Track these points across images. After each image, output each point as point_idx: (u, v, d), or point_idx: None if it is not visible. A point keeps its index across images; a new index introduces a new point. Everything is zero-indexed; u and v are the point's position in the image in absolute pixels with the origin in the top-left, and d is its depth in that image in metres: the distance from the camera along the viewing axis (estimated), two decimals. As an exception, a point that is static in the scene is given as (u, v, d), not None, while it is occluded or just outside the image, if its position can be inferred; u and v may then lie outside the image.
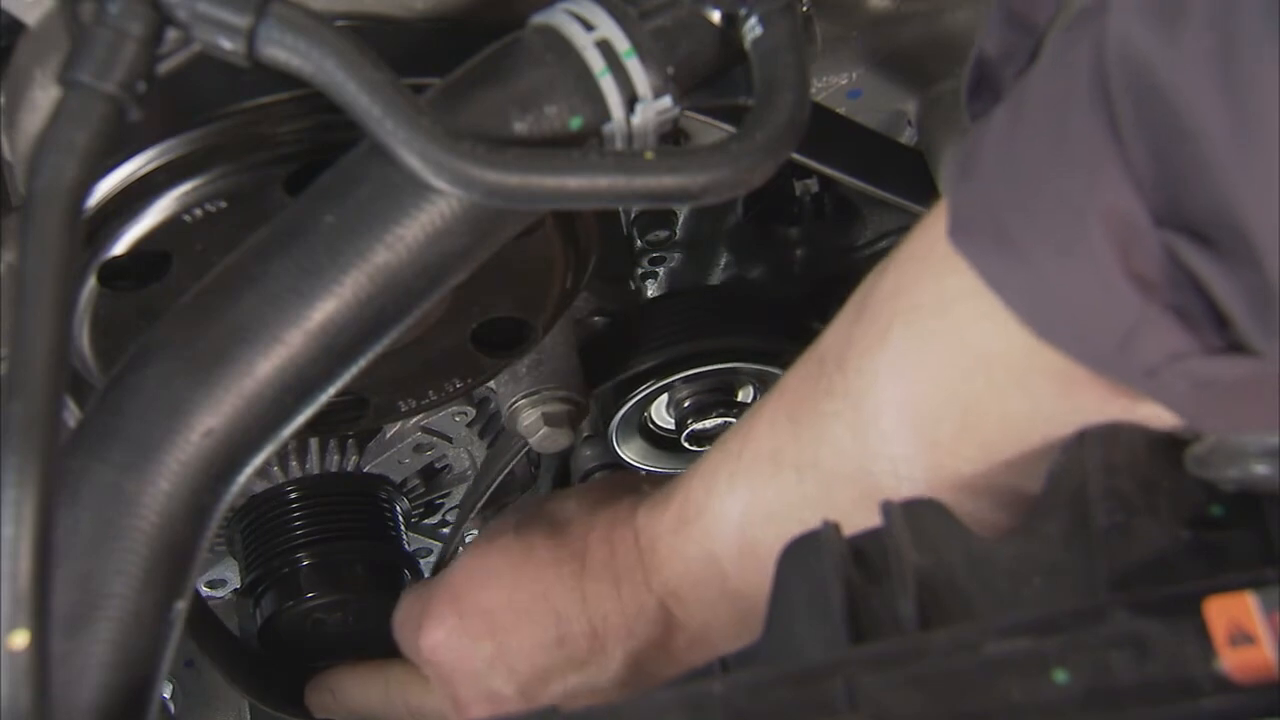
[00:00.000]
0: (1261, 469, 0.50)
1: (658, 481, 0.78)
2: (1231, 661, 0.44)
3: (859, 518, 0.60)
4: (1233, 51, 0.43)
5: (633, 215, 0.99)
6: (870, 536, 0.53)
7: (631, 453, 1.01)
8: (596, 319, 0.97)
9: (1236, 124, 0.44)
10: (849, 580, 0.51)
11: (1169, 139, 0.46)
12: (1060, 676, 0.44)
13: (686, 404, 0.97)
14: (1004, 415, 0.57)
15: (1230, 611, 0.44)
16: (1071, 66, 0.50)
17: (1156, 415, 0.54)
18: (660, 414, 1.00)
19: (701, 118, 0.72)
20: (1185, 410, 0.51)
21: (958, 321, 0.56)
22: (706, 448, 0.80)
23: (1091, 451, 0.54)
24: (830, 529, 0.54)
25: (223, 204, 0.67)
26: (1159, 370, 0.49)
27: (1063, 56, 0.51)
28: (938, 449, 0.59)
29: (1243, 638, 0.43)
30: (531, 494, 1.07)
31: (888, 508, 0.54)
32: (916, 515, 0.53)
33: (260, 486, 0.95)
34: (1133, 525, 0.51)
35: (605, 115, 0.61)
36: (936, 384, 0.58)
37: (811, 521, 0.61)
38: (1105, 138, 0.48)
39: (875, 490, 0.61)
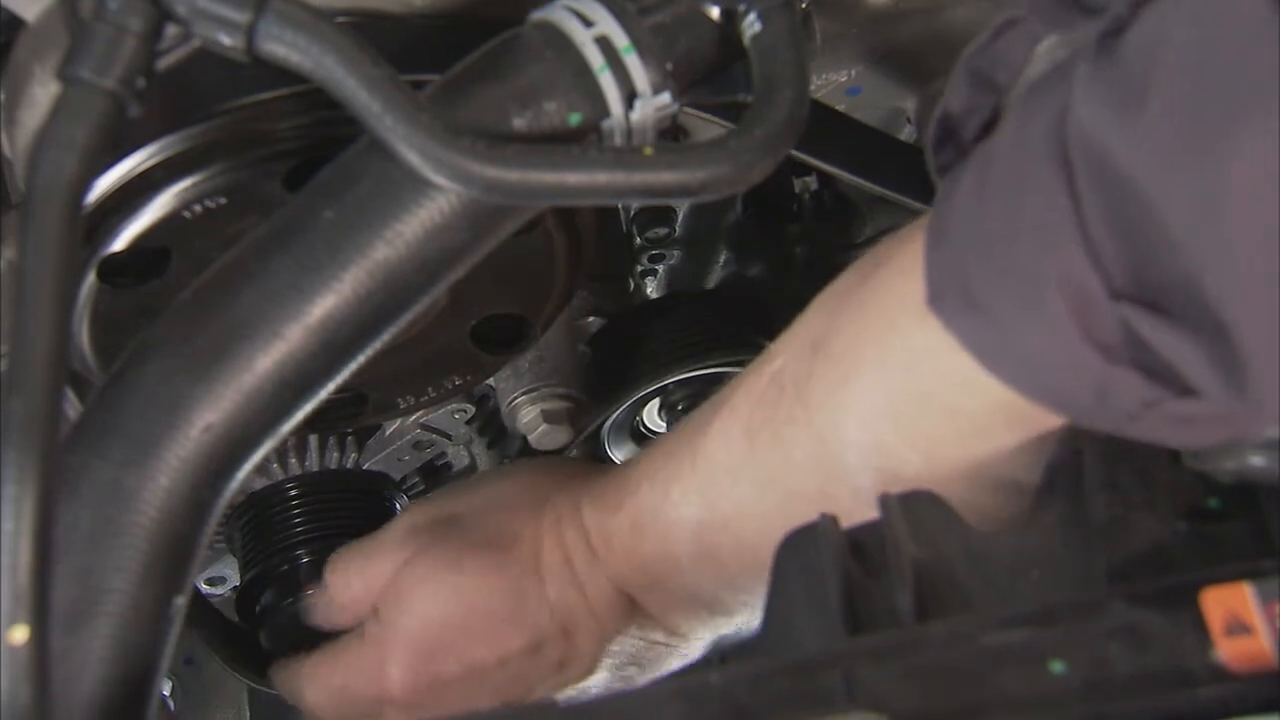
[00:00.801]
0: (1258, 461, 0.51)
1: (584, 473, 0.78)
2: (1228, 651, 0.44)
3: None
4: (1196, 140, 0.44)
5: (632, 212, 0.99)
6: (868, 529, 0.53)
7: (623, 456, 1.01)
8: (593, 319, 0.97)
9: (1197, 204, 0.45)
10: (847, 572, 0.52)
11: (1129, 215, 0.48)
12: (1058, 667, 0.44)
13: (679, 407, 0.97)
14: (967, 458, 0.59)
15: (1227, 602, 0.44)
16: (1032, 139, 0.52)
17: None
18: (652, 417, 1.00)
19: (701, 114, 0.72)
20: (1175, 441, 0.53)
21: (925, 378, 0.59)
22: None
23: (1089, 444, 0.54)
24: (828, 522, 0.54)
25: (222, 200, 0.68)
26: (1140, 415, 0.52)
27: (1024, 128, 0.53)
28: (900, 483, 0.61)
29: (1239, 628, 0.44)
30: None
31: (885, 500, 0.54)
32: (914, 508, 0.53)
33: (260, 483, 0.95)
34: (1130, 517, 0.51)
35: (604, 111, 0.61)
36: (903, 432, 0.61)
37: (771, 529, 0.64)
38: (1063, 212, 0.50)
39: (835, 507, 0.63)
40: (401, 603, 0.76)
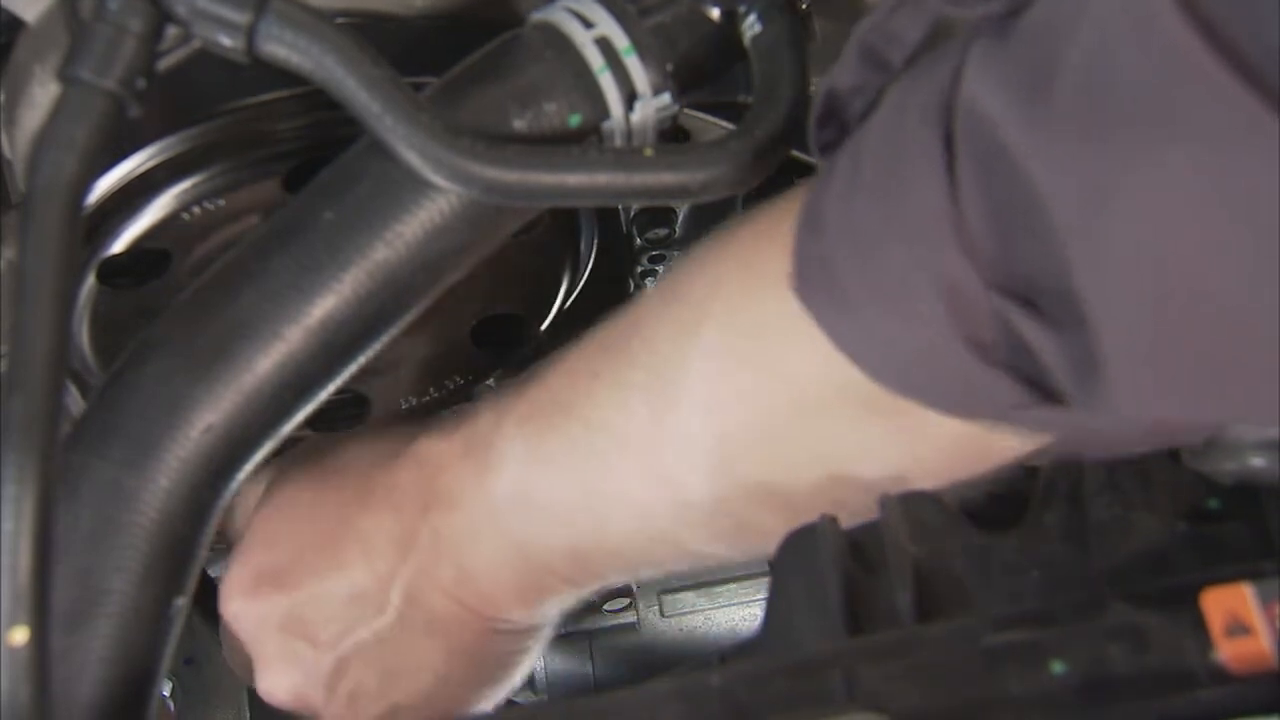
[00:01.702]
0: (1258, 462, 0.51)
1: (419, 421, 0.75)
2: (1228, 652, 0.44)
3: (634, 487, 0.63)
4: (1097, 146, 0.44)
5: (632, 213, 0.99)
6: (868, 529, 0.53)
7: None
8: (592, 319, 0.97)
9: (1086, 205, 0.44)
10: (847, 572, 0.52)
11: (1012, 203, 0.47)
12: (1058, 667, 0.44)
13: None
14: (800, 432, 0.59)
15: (1227, 603, 0.44)
16: (910, 121, 0.51)
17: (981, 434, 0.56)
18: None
19: (701, 115, 0.72)
20: (1046, 440, 0.53)
21: (771, 346, 0.58)
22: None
23: (1089, 445, 0.54)
24: (828, 522, 0.54)
25: (222, 201, 0.68)
26: (1006, 415, 0.52)
27: (902, 109, 0.52)
28: (730, 447, 0.61)
29: (1240, 629, 0.44)
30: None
31: (885, 500, 0.54)
32: (914, 507, 0.53)
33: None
34: (1130, 518, 0.51)
35: (604, 112, 0.61)
36: (741, 395, 0.60)
37: (590, 480, 0.64)
38: (940, 201, 0.49)
39: (659, 467, 0.62)
40: (249, 526, 0.75)
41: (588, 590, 0.72)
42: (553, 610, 0.73)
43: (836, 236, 0.54)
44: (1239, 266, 0.42)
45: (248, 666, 0.76)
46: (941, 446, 0.57)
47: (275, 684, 0.74)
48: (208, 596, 0.83)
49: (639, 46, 0.61)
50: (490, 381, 0.93)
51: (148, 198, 0.67)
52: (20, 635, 0.49)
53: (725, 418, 0.61)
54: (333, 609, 0.72)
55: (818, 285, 0.55)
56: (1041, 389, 0.50)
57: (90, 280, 0.69)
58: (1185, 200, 0.42)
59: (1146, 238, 0.43)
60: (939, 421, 0.55)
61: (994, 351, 0.50)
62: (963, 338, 0.50)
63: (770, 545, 0.57)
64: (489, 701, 0.76)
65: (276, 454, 0.69)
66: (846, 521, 0.55)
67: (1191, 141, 0.41)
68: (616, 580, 0.72)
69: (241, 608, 0.74)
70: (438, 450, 0.71)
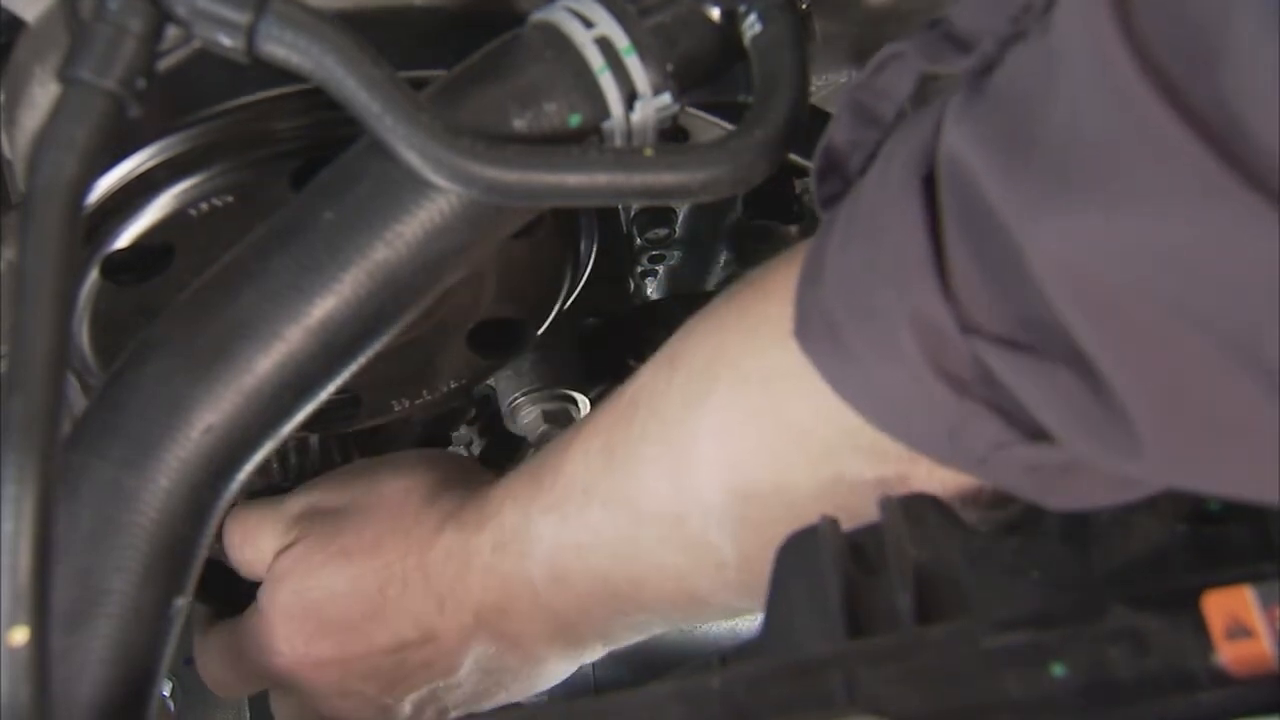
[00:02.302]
0: (1259, 463, 0.50)
1: (461, 482, 0.79)
2: (1229, 655, 0.44)
3: (663, 554, 0.66)
4: (1072, 202, 0.44)
5: (632, 213, 0.99)
6: (868, 531, 0.53)
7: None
8: (592, 320, 0.97)
9: (1066, 261, 0.44)
10: (847, 574, 0.52)
11: (992, 254, 0.47)
12: (1058, 670, 0.44)
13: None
14: (814, 483, 0.60)
15: (1228, 605, 0.44)
16: (894, 172, 0.52)
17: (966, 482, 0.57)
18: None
19: (701, 115, 0.72)
20: (1024, 492, 0.53)
21: (779, 397, 0.60)
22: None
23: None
24: (828, 524, 0.54)
25: (229, 198, 0.68)
26: (988, 458, 0.52)
27: (889, 163, 0.54)
28: (750, 505, 0.62)
29: (1240, 631, 0.44)
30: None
31: (885, 502, 0.54)
32: (914, 510, 0.53)
33: (260, 484, 0.95)
34: (1131, 520, 0.51)
35: (604, 112, 0.61)
36: (754, 450, 0.62)
37: (619, 555, 0.66)
38: (919, 247, 0.50)
39: (684, 532, 0.65)
40: (281, 583, 0.77)
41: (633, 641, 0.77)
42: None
43: (833, 284, 0.55)
44: (1205, 320, 0.42)
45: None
46: (949, 492, 0.58)
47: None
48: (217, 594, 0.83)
49: (639, 46, 0.61)
50: (491, 383, 0.93)
51: (149, 197, 0.67)
52: (20, 635, 0.49)
53: (741, 474, 0.62)
54: (391, 665, 0.76)
55: (817, 333, 0.56)
56: (1023, 426, 0.50)
57: (93, 275, 0.69)
58: (1152, 257, 0.42)
59: (1124, 283, 0.43)
60: (939, 469, 0.56)
61: (975, 389, 0.51)
62: (941, 375, 0.51)
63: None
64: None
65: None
66: None
67: (1151, 199, 0.41)
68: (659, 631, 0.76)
69: (297, 667, 0.77)
70: (468, 545, 0.74)
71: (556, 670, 0.78)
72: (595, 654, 0.77)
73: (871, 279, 0.53)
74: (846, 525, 0.57)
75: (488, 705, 0.79)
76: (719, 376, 0.62)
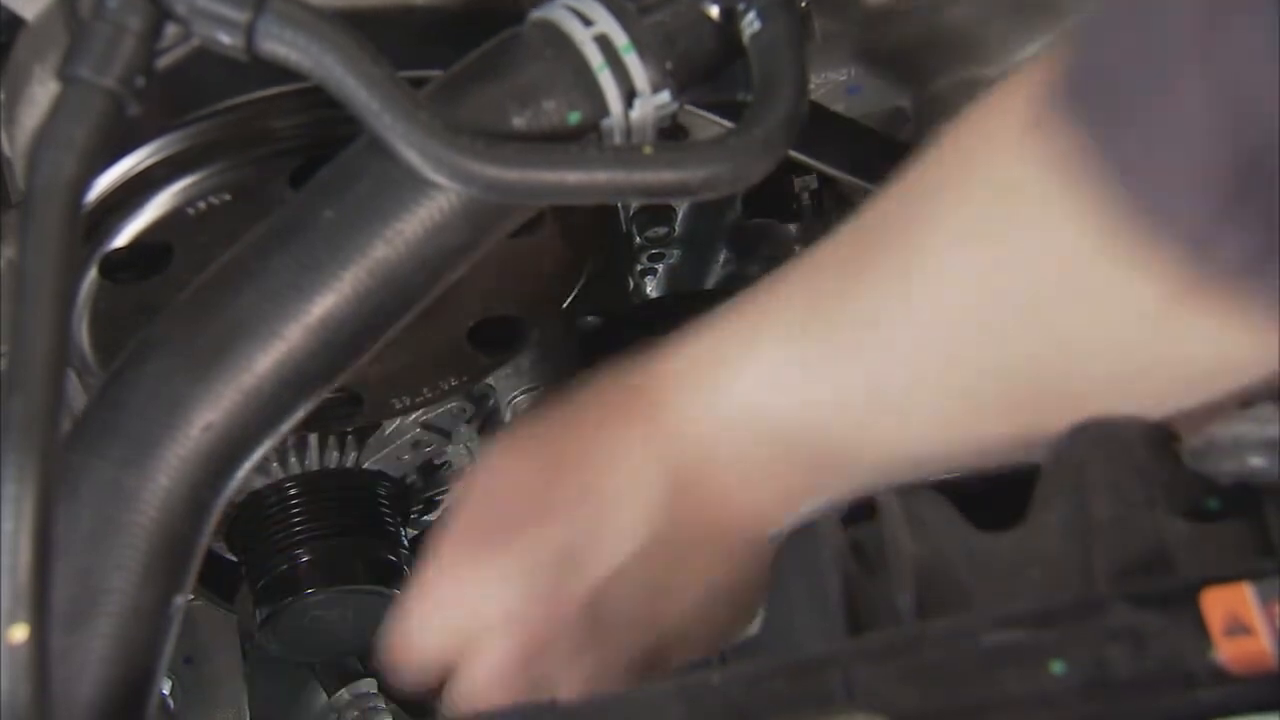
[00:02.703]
0: (1258, 462, 0.51)
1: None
2: (1228, 652, 0.44)
3: (914, 371, 0.59)
4: None
5: (631, 211, 0.99)
6: (868, 528, 0.53)
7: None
8: (592, 319, 0.97)
9: None
10: (847, 572, 0.52)
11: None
12: (1057, 667, 0.44)
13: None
14: (1073, 299, 0.55)
15: (1227, 603, 0.44)
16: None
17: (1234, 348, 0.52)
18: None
19: (700, 113, 0.72)
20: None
21: (1026, 208, 0.55)
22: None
23: (1090, 444, 0.54)
24: (828, 522, 0.54)
25: (227, 196, 0.68)
26: (1240, 273, 0.49)
27: None
28: (996, 334, 0.58)
29: (1239, 629, 0.44)
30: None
31: (885, 500, 0.54)
32: (914, 507, 0.53)
33: (259, 482, 0.95)
34: (1130, 518, 0.51)
35: (604, 110, 0.61)
36: (1003, 267, 0.57)
37: (820, 398, 0.60)
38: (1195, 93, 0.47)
39: (940, 352, 0.59)
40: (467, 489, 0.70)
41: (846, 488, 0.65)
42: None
43: (1111, 53, 0.51)
44: None
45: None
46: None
47: (506, 652, 0.67)
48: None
49: (638, 44, 0.61)
50: (490, 381, 0.93)
51: (150, 193, 0.67)
52: (20, 634, 0.49)
53: (985, 287, 0.57)
54: (587, 534, 0.67)
55: (1090, 93, 0.52)
56: None
57: (92, 274, 0.69)
58: None
59: None
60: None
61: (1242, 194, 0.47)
62: (1211, 173, 0.47)
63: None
64: (741, 631, 0.70)
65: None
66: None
67: None
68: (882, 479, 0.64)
69: (467, 565, 0.68)
70: (681, 366, 0.67)
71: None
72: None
73: (1163, 51, 0.49)
74: (1104, 347, 0.54)
75: (731, 613, 0.69)
76: (962, 199, 0.57)
